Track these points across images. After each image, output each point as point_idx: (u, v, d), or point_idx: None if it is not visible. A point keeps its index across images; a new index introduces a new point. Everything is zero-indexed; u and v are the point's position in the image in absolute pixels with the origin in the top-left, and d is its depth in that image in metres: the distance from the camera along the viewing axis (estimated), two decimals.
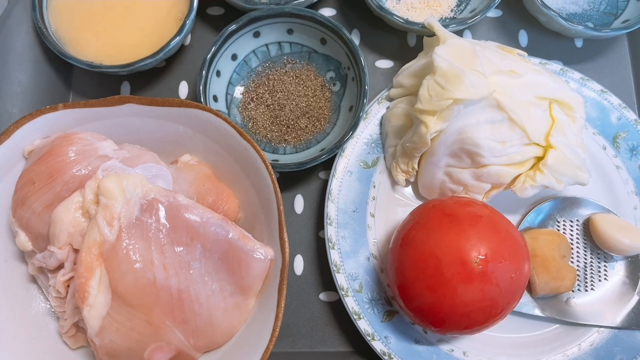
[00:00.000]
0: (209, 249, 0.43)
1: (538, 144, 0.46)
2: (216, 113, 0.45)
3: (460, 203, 0.44)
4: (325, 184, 0.53)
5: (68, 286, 0.44)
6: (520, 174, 0.46)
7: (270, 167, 0.44)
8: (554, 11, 0.51)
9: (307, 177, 0.53)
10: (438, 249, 0.41)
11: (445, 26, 0.50)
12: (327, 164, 0.50)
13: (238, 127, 0.45)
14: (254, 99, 0.53)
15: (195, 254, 0.43)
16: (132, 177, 0.42)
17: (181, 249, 0.42)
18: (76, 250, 0.42)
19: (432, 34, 0.50)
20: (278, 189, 0.44)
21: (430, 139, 0.45)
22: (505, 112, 0.44)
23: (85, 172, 0.44)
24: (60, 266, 0.43)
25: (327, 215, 0.48)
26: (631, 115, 0.51)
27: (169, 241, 0.42)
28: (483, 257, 0.40)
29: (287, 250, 0.43)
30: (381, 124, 0.51)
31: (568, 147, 0.46)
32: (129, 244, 0.41)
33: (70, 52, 0.50)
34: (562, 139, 0.45)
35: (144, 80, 0.55)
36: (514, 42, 0.57)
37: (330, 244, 0.48)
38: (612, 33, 0.51)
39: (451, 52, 0.45)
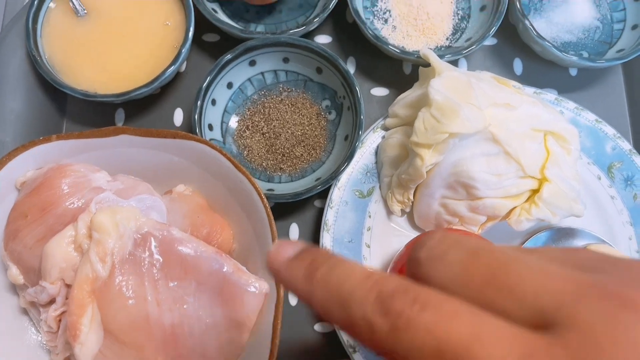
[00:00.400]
0: (203, 282, 0.43)
1: (533, 177, 0.46)
2: (211, 145, 0.45)
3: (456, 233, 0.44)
4: (320, 212, 0.53)
5: (60, 321, 0.43)
6: (515, 207, 0.46)
7: (265, 200, 0.44)
8: (548, 41, 0.51)
9: (303, 205, 0.53)
10: None
11: (441, 56, 0.50)
12: (323, 192, 0.49)
13: (233, 159, 0.44)
14: (250, 127, 0.53)
15: (190, 289, 0.42)
16: (125, 210, 0.42)
17: (175, 283, 0.42)
18: (68, 286, 0.42)
19: (427, 64, 0.50)
20: (273, 223, 0.44)
21: (426, 172, 0.45)
22: (501, 145, 0.44)
23: (78, 205, 0.43)
24: (52, 301, 0.43)
25: (322, 246, 0.48)
26: (626, 145, 0.52)
27: (162, 276, 0.42)
28: None
29: (281, 286, 0.43)
30: (377, 153, 0.51)
31: (563, 179, 0.46)
32: (121, 280, 0.40)
33: (64, 80, 0.50)
34: (557, 172, 0.46)
35: (139, 107, 0.54)
36: (509, 70, 0.57)
37: None
38: (607, 64, 0.52)
39: (447, 84, 0.45)
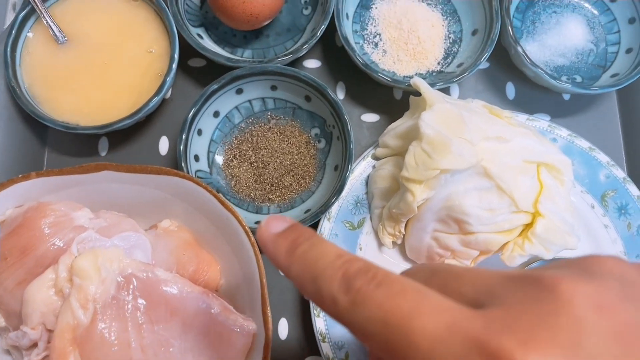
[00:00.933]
0: (189, 324, 0.42)
1: (527, 212, 0.45)
2: (196, 181, 0.44)
3: None
4: None
5: None
6: (508, 242, 0.45)
7: (252, 237, 0.43)
8: (540, 68, 0.51)
9: None
10: None
11: (433, 84, 0.49)
12: (313, 222, 0.48)
13: (219, 196, 0.43)
14: (237, 156, 0.52)
15: (175, 331, 0.41)
16: (108, 252, 0.41)
17: (160, 326, 0.41)
18: (50, 330, 0.41)
19: (418, 92, 0.49)
20: (261, 261, 0.42)
21: (417, 206, 0.44)
22: (494, 180, 0.44)
23: (59, 246, 0.42)
24: (35, 345, 0.42)
25: None
26: (619, 173, 0.51)
27: (147, 319, 0.41)
28: None
29: (269, 326, 0.42)
30: (367, 183, 0.50)
31: (557, 213, 0.45)
32: (104, 327, 0.39)
33: (44, 111, 0.48)
34: (550, 206, 0.45)
35: (123, 136, 0.53)
36: (501, 95, 0.56)
37: (315, 312, 0.47)
38: (600, 90, 0.51)
39: (438, 118, 0.44)
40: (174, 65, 0.48)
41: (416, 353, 0.17)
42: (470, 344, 0.17)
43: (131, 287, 0.41)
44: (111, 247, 0.43)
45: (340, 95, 0.55)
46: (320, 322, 0.46)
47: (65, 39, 0.50)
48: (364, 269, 0.20)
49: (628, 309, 0.17)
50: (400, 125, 0.48)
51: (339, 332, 0.47)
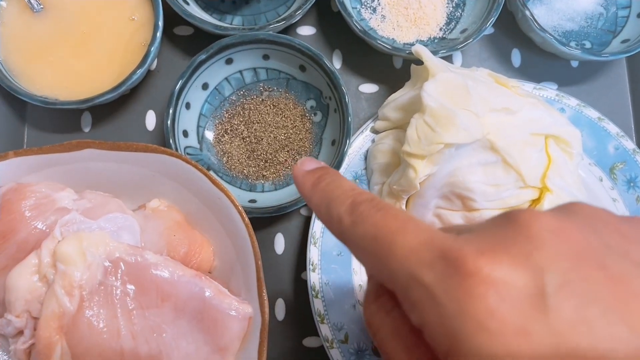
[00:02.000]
0: (182, 309, 0.40)
1: (534, 187, 0.43)
2: (185, 159, 0.41)
3: None
4: (307, 221, 0.49)
5: (30, 353, 0.40)
6: None
7: (246, 217, 0.41)
8: (549, 33, 0.48)
9: (288, 214, 0.50)
10: None
11: (435, 52, 0.46)
12: None
13: (210, 175, 0.41)
14: (229, 131, 0.49)
15: (168, 316, 0.40)
16: (93, 236, 0.38)
17: (152, 312, 0.39)
18: (35, 318, 0.39)
19: (419, 61, 0.46)
20: (255, 242, 0.40)
21: (419, 183, 0.42)
22: (500, 154, 0.41)
23: (42, 228, 0.40)
24: (20, 332, 0.40)
25: (309, 261, 0.45)
26: (629, 144, 0.49)
27: (137, 305, 0.39)
28: None
29: (266, 309, 0.40)
30: (366, 158, 0.48)
31: (565, 189, 0.43)
32: (92, 314, 0.37)
33: (21, 86, 0.45)
34: (558, 181, 0.43)
35: (107, 110, 0.50)
36: (507, 62, 0.53)
37: (313, 292, 0.45)
38: (611, 57, 0.48)
39: (441, 89, 0.41)
40: (159, 34, 0.45)
41: (394, 262, 0.20)
42: (437, 253, 0.19)
43: (119, 271, 0.38)
44: (97, 230, 0.40)
45: (336, 64, 0.52)
46: (319, 302, 0.45)
47: (41, 7, 0.47)
48: (369, 198, 0.24)
49: (586, 236, 0.19)
50: (401, 96, 0.46)
51: (338, 313, 0.45)
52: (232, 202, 0.41)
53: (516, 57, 0.53)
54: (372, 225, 0.22)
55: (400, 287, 0.21)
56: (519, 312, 0.17)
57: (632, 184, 0.49)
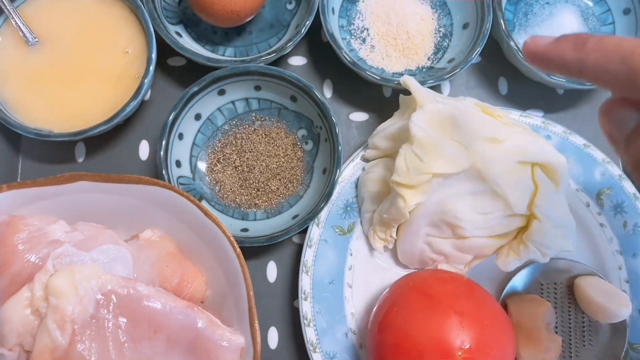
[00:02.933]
0: (174, 340, 0.40)
1: (521, 215, 0.43)
2: (177, 190, 0.42)
3: (441, 281, 0.42)
4: (299, 248, 0.50)
5: None
6: (503, 245, 0.44)
7: (237, 248, 0.41)
8: None
9: (280, 242, 0.50)
10: (418, 338, 0.38)
11: (423, 82, 0.47)
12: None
13: (201, 205, 0.41)
14: (221, 160, 0.49)
15: (160, 348, 0.40)
16: (85, 269, 0.39)
17: (144, 344, 0.39)
18: (28, 352, 0.39)
19: (408, 91, 0.47)
20: (247, 273, 0.41)
21: (409, 212, 0.43)
22: (488, 183, 0.42)
23: (35, 261, 0.40)
24: None
25: (301, 290, 0.45)
26: (615, 170, 0.49)
27: (129, 338, 0.39)
28: (467, 348, 0.37)
29: (258, 340, 0.40)
30: (357, 186, 0.48)
31: (551, 216, 0.43)
32: (83, 348, 0.37)
33: (16, 118, 0.46)
34: (545, 208, 0.43)
35: (101, 140, 0.51)
36: (494, 90, 0.54)
37: (305, 321, 0.45)
38: (594, 86, 0.49)
39: (429, 119, 0.42)
40: (152, 67, 0.46)
41: None
42: None
43: (111, 304, 0.39)
44: (89, 263, 0.41)
45: (327, 93, 0.53)
46: (311, 331, 0.45)
47: (36, 40, 0.47)
48: None
49: None
50: (390, 125, 0.47)
51: (331, 341, 0.45)
52: (224, 232, 0.41)
53: (503, 85, 0.54)
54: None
55: None
56: None
57: (619, 209, 0.49)
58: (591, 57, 0.27)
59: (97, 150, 0.51)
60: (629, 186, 0.49)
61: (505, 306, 0.47)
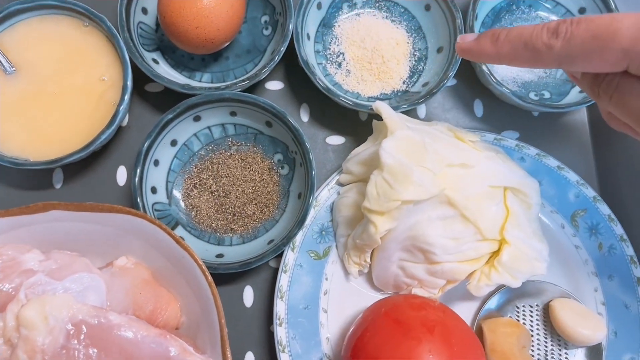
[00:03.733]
0: None
1: (492, 239, 0.43)
2: (150, 219, 0.42)
3: (413, 306, 0.42)
4: (276, 272, 0.50)
5: None
6: (475, 270, 0.44)
7: (209, 277, 0.41)
8: (506, 87, 0.49)
9: (256, 266, 0.50)
10: None
11: (397, 106, 0.47)
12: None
13: (174, 234, 0.42)
14: (197, 186, 0.50)
15: None
16: (56, 299, 0.39)
17: None
18: None
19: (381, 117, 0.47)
20: (219, 301, 0.41)
21: (380, 237, 0.43)
22: (458, 208, 0.42)
23: (8, 291, 0.40)
24: None
25: (276, 315, 0.46)
26: (590, 192, 0.50)
27: None
28: None
29: None
30: (332, 210, 0.49)
31: (523, 240, 0.44)
32: None
33: None
34: (517, 233, 0.44)
35: (78, 166, 0.51)
36: (469, 112, 0.55)
37: (280, 347, 0.45)
38: (568, 109, 0.50)
39: (399, 146, 0.42)
40: (127, 95, 0.46)
41: (624, 40, 0.27)
42: None
43: (82, 334, 0.39)
44: (61, 292, 0.41)
45: (304, 117, 0.54)
46: (286, 357, 0.45)
47: (14, 69, 0.48)
48: (560, 21, 0.29)
49: None
50: (364, 151, 0.47)
51: None
52: (196, 261, 0.41)
53: (478, 108, 0.55)
54: (585, 30, 0.28)
55: (636, 55, 0.27)
56: None
57: (593, 231, 0.49)
58: (504, 48, 0.32)
59: (75, 176, 0.51)
60: (603, 208, 0.50)
61: (480, 329, 0.47)
